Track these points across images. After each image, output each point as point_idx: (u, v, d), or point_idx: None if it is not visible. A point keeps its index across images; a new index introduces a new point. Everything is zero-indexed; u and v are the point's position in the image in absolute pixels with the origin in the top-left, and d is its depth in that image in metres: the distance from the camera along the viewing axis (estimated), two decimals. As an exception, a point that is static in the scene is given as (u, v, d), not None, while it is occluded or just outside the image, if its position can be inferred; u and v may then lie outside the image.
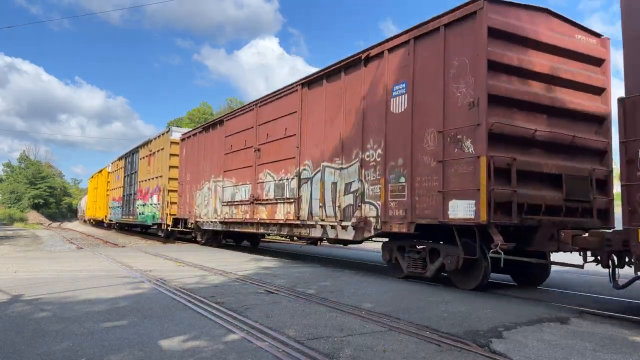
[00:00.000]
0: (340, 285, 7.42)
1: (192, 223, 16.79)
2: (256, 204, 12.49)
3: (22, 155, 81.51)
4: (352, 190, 9.10)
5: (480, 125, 6.59)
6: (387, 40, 8.50)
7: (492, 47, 6.76)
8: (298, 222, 10.62)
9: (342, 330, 4.57)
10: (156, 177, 20.36)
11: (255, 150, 12.65)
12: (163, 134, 20.46)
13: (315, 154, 10.28)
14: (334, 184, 9.60)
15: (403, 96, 8.02)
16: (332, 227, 9.55)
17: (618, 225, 6.29)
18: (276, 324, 4.81)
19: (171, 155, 19.00)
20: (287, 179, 11.21)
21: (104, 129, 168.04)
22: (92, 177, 40.68)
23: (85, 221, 47.92)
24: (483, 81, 6.63)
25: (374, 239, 9.10)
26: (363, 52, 9.01)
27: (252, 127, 12.89)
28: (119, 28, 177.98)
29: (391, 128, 8.22)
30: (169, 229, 19.08)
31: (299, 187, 10.69)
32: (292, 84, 11.30)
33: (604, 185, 7.80)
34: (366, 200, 8.68)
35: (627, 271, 5.60)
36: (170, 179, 18.89)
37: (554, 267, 7.90)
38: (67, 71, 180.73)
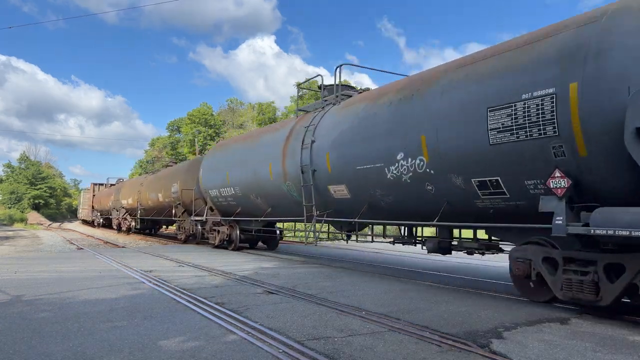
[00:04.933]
0: (341, 285, 7.43)
1: None
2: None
3: (22, 156, 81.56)
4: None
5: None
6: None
7: None
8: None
9: (342, 331, 4.57)
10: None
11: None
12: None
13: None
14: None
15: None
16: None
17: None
18: (276, 324, 4.81)
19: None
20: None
21: (103, 129, 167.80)
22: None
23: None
24: None
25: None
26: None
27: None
28: (115, 26, 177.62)
29: None
30: None
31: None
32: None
33: None
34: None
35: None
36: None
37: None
38: (63, 70, 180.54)
